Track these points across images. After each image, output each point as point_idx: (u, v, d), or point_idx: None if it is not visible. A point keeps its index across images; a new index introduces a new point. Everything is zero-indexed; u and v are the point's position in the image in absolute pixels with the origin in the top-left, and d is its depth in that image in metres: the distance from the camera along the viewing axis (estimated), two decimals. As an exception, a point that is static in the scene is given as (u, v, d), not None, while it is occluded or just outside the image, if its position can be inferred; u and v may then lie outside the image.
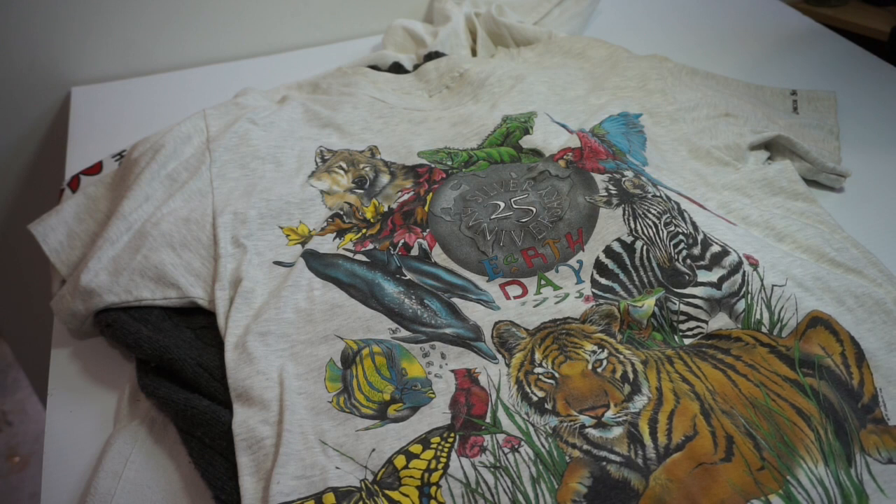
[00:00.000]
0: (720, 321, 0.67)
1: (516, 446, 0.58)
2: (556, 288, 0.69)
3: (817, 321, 0.66)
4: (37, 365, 1.43)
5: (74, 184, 0.84)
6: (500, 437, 0.59)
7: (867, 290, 0.69)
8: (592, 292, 0.68)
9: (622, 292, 0.68)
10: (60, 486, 0.61)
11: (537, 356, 0.63)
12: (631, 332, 0.65)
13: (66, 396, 0.68)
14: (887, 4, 1.78)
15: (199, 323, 0.69)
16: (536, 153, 0.82)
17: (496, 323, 0.66)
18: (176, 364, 0.63)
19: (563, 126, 0.85)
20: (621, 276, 0.69)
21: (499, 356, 0.64)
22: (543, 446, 0.58)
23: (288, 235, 0.74)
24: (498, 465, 0.57)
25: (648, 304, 0.66)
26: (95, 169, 0.86)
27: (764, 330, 0.66)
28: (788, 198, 0.81)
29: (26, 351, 1.43)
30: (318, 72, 1.02)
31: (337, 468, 0.57)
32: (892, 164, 0.91)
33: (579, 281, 0.69)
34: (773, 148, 0.88)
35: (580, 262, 0.71)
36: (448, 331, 0.66)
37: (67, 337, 0.73)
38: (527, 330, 0.66)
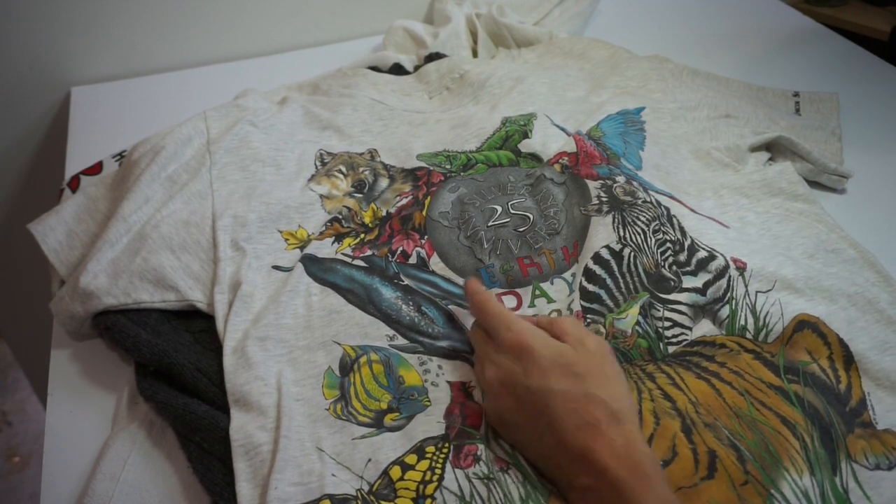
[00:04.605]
0: (704, 328, 0.67)
1: (505, 469, 0.58)
2: (549, 300, 0.69)
3: (804, 325, 0.66)
4: (37, 365, 1.43)
5: (74, 184, 0.84)
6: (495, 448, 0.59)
7: (860, 290, 0.69)
8: (581, 305, 0.68)
9: (608, 300, 0.68)
10: (60, 487, 0.61)
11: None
12: (616, 341, 0.65)
13: (66, 397, 0.68)
14: (887, 4, 1.78)
15: (197, 326, 0.69)
16: (535, 157, 0.82)
17: None
18: (175, 368, 0.63)
19: (563, 129, 0.86)
20: (608, 281, 0.69)
21: None
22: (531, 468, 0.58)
23: (287, 240, 0.74)
24: (491, 476, 0.57)
25: (632, 313, 0.66)
26: (95, 169, 0.86)
27: (748, 336, 0.66)
28: (787, 198, 0.81)
29: (26, 351, 1.43)
30: (318, 72, 1.02)
31: (333, 475, 0.57)
32: (892, 163, 0.91)
33: (571, 292, 0.70)
34: (775, 149, 0.88)
35: (574, 275, 0.71)
36: (444, 343, 0.66)
37: (67, 338, 0.73)
38: None
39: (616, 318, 0.66)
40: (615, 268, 0.69)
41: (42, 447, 0.64)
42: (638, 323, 0.66)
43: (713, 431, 0.59)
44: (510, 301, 0.70)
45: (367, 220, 0.76)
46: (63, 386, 0.69)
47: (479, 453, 0.58)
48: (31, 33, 1.03)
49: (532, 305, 0.69)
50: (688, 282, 0.68)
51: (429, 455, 0.58)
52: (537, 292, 0.70)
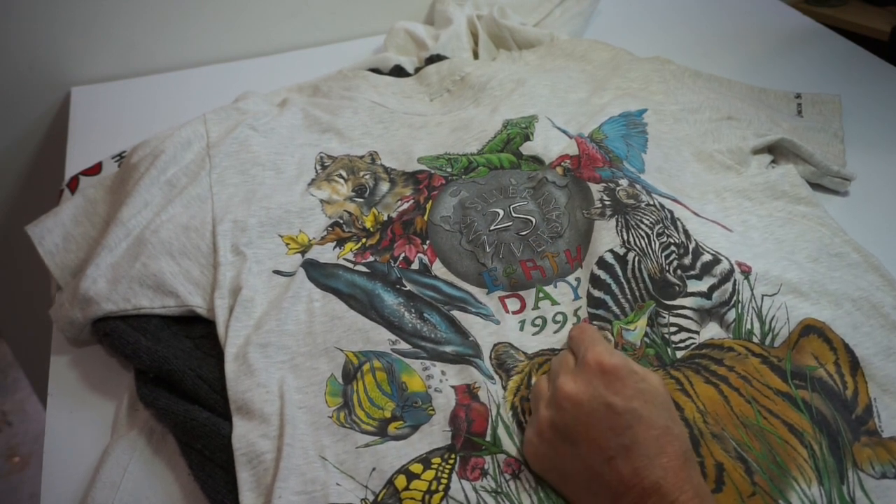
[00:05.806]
0: (711, 331, 0.66)
1: (517, 471, 0.58)
2: (553, 303, 0.69)
3: (810, 329, 0.66)
4: (37, 365, 1.43)
5: (73, 184, 0.84)
6: (501, 458, 0.58)
7: (865, 294, 0.69)
8: (588, 312, 0.68)
9: (614, 306, 0.67)
10: (60, 488, 0.61)
11: (534, 381, 0.63)
12: (625, 353, 0.64)
13: (66, 403, 0.68)
14: (887, 4, 1.78)
15: (198, 332, 0.69)
16: (536, 160, 0.82)
17: (495, 345, 0.66)
18: (175, 375, 0.63)
19: (564, 131, 0.85)
20: (613, 286, 0.69)
21: (496, 377, 0.64)
22: None
23: (288, 244, 0.74)
24: (499, 490, 0.56)
25: (640, 325, 0.66)
26: (95, 170, 0.86)
27: (755, 340, 0.66)
28: (790, 202, 0.81)
29: (26, 351, 1.43)
30: (318, 72, 1.02)
31: (338, 485, 0.57)
32: (893, 164, 0.91)
33: (576, 297, 0.69)
34: (777, 151, 0.88)
35: (578, 279, 0.71)
36: (448, 349, 0.66)
37: (67, 344, 0.72)
38: (525, 353, 0.66)
39: (624, 327, 0.65)
40: (619, 272, 0.69)
41: (42, 447, 0.64)
42: (646, 334, 0.66)
43: (720, 443, 0.59)
44: (514, 304, 0.70)
45: (368, 224, 0.76)
46: (63, 392, 0.69)
47: (485, 466, 0.58)
48: (31, 33, 1.03)
49: (536, 308, 0.69)
50: (693, 286, 0.68)
51: (434, 465, 0.58)
52: (541, 295, 0.70)
